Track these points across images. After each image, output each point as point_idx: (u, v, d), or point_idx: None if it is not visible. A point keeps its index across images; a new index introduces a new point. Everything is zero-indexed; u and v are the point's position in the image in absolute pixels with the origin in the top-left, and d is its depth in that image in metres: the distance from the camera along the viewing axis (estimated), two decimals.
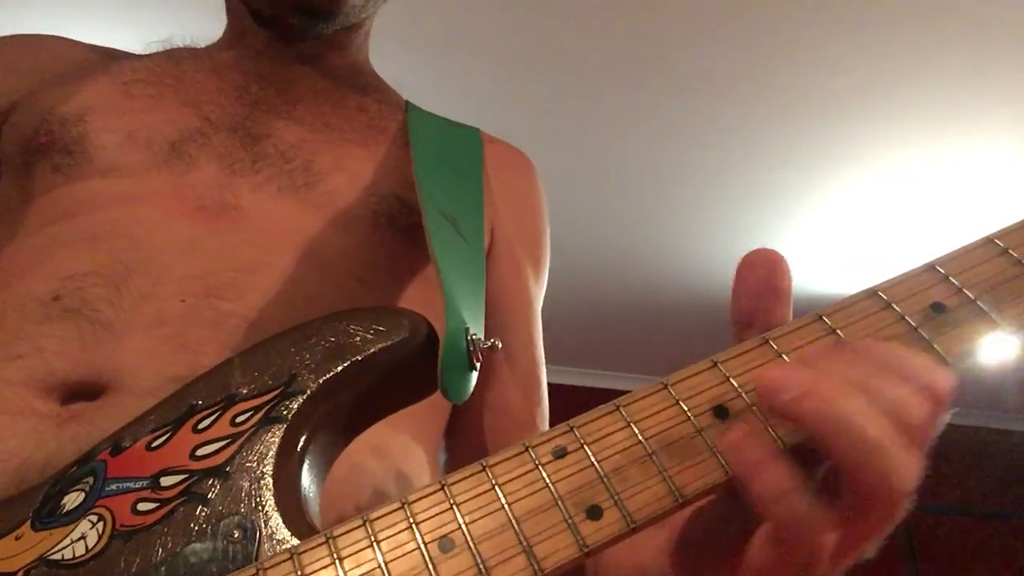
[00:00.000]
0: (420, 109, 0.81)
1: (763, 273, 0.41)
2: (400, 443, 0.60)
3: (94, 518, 0.41)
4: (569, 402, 0.73)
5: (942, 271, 0.42)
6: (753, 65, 2.09)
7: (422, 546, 0.36)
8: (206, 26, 0.83)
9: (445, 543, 0.36)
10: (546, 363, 0.76)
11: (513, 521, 0.36)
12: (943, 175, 2.43)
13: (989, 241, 0.42)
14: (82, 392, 0.51)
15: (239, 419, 0.43)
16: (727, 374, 0.40)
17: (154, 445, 0.43)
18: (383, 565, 0.36)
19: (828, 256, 2.87)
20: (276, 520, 0.40)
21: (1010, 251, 0.42)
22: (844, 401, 0.34)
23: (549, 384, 0.76)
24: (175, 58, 0.76)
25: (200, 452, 0.42)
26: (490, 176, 0.78)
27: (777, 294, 0.41)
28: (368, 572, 0.36)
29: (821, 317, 0.41)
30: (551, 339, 0.81)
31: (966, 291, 0.40)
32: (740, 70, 2.11)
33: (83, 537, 0.40)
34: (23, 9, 1.94)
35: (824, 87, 2.14)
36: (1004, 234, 0.43)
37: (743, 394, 0.39)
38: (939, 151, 2.33)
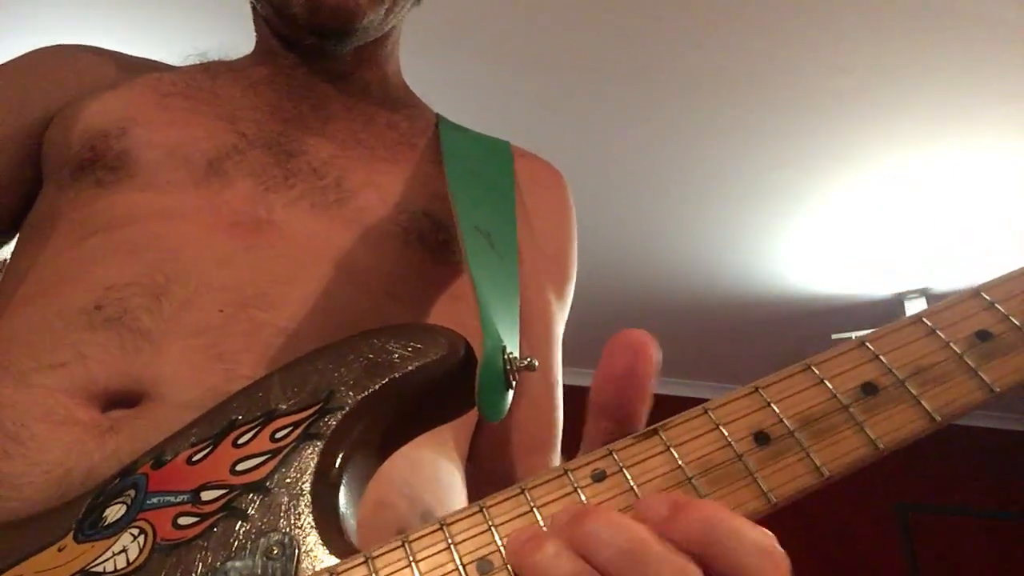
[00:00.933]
0: (450, 122, 0.81)
1: (629, 363, 0.38)
2: (432, 459, 0.61)
3: (135, 531, 0.41)
4: (567, 402, 0.73)
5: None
6: (753, 65, 2.08)
7: (460, 568, 0.36)
8: (232, 37, 0.84)
9: (484, 564, 0.36)
10: (576, 367, 0.76)
11: None
12: (942, 175, 2.40)
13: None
14: (121, 400, 0.52)
15: (278, 435, 0.44)
16: (768, 400, 0.40)
17: (195, 459, 0.44)
18: None
19: (828, 256, 2.84)
20: (315, 538, 0.40)
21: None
22: (536, 553, 0.34)
23: (569, 387, 0.75)
24: (211, 72, 0.77)
25: (240, 467, 0.43)
26: (522, 191, 0.78)
27: (642, 387, 0.38)
28: None
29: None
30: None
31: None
32: (740, 70, 2.10)
33: (124, 550, 0.41)
34: (52, 33, 1.98)
35: (824, 87, 2.12)
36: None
37: (784, 420, 0.39)
38: (939, 151, 2.31)
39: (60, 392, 0.51)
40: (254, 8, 0.81)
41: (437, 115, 0.83)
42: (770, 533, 0.34)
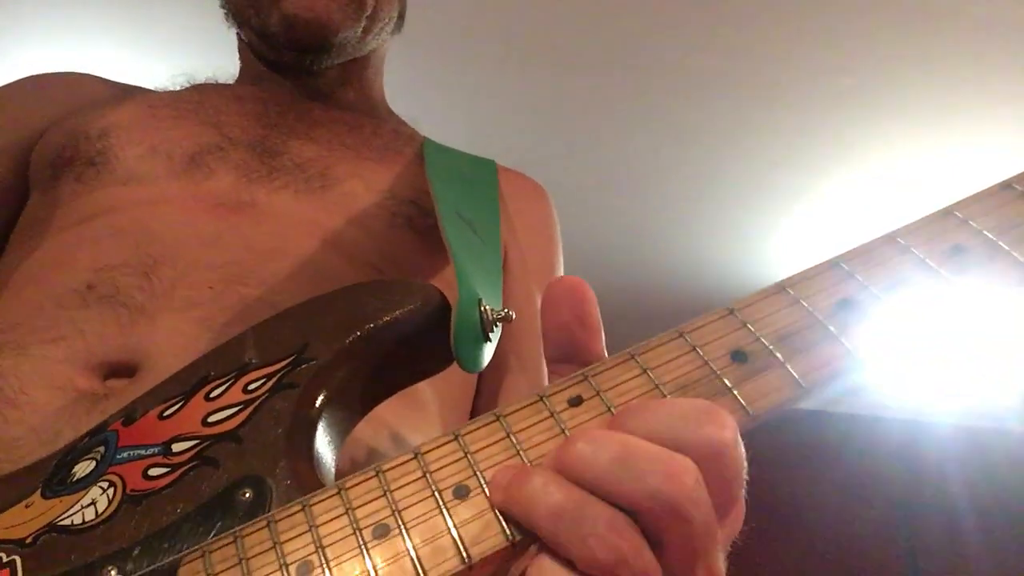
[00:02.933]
0: (436, 143, 0.83)
1: (568, 306, 0.39)
2: (421, 425, 0.60)
3: (105, 484, 0.40)
4: None
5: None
6: (751, 65, 2.10)
7: (436, 493, 0.35)
8: (230, 64, 0.86)
9: (460, 490, 0.35)
10: None
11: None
12: (942, 175, 2.40)
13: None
14: (120, 371, 0.52)
15: (251, 387, 0.43)
16: (744, 320, 0.39)
17: (166, 414, 0.43)
18: (396, 512, 0.35)
19: (824, 255, 2.82)
20: (289, 481, 0.39)
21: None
22: (527, 484, 0.33)
23: None
24: (199, 89, 0.79)
25: (212, 419, 0.42)
26: (507, 203, 0.79)
27: (592, 326, 0.39)
28: (382, 520, 0.35)
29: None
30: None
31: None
32: (738, 70, 2.12)
33: (93, 503, 0.40)
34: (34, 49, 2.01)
35: (823, 87, 2.14)
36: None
37: (761, 338, 0.38)
38: (938, 151, 2.31)
39: (61, 362, 0.51)
40: (239, 36, 0.84)
41: (424, 138, 0.84)
42: (714, 405, 0.33)
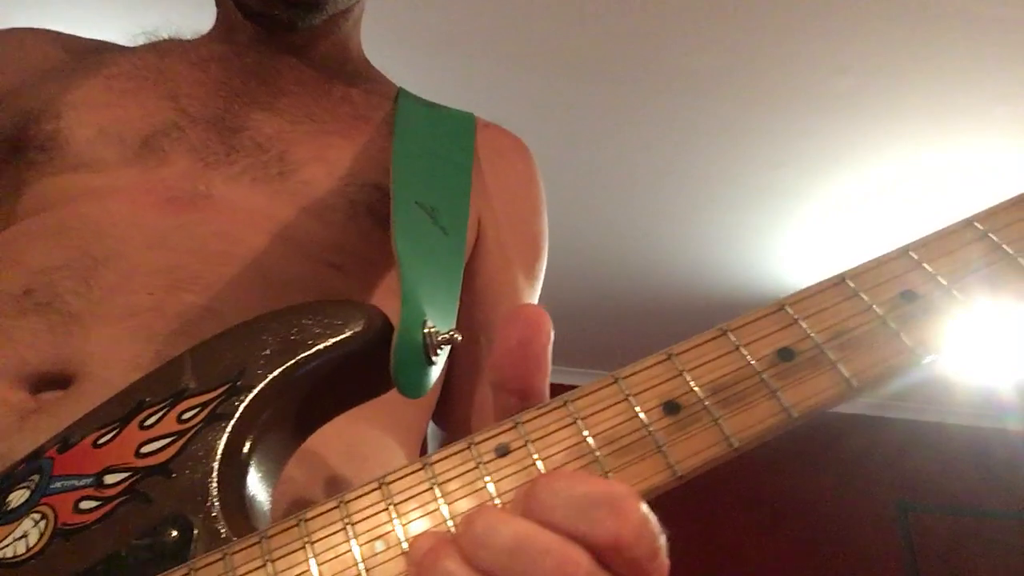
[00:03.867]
0: (412, 96, 0.79)
1: (520, 332, 0.37)
2: (374, 439, 0.59)
3: (37, 516, 0.40)
4: None
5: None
6: (752, 65, 2.06)
7: (355, 548, 0.35)
8: (195, 18, 0.83)
9: (379, 544, 0.35)
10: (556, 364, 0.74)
11: (450, 523, 0.35)
12: (942, 175, 2.37)
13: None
14: (52, 383, 0.51)
15: (185, 416, 0.42)
16: (681, 368, 0.38)
17: (100, 442, 0.43)
18: (314, 567, 0.35)
19: (827, 256, 2.80)
20: (215, 521, 0.39)
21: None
22: (434, 569, 0.32)
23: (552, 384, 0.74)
24: (160, 51, 0.75)
25: (145, 450, 0.42)
26: (482, 163, 0.76)
27: (535, 358, 0.37)
28: (301, 573, 0.35)
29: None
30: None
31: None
32: (738, 69, 2.08)
33: (25, 535, 0.40)
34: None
35: (823, 87, 2.09)
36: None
37: (695, 388, 0.37)
38: (938, 151, 2.27)
39: None
40: None
41: (399, 89, 0.81)
42: (623, 487, 0.32)
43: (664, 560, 0.32)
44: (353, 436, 0.56)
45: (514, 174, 0.81)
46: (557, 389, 0.38)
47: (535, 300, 0.79)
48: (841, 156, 2.34)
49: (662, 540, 0.32)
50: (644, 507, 0.31)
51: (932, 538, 3.11)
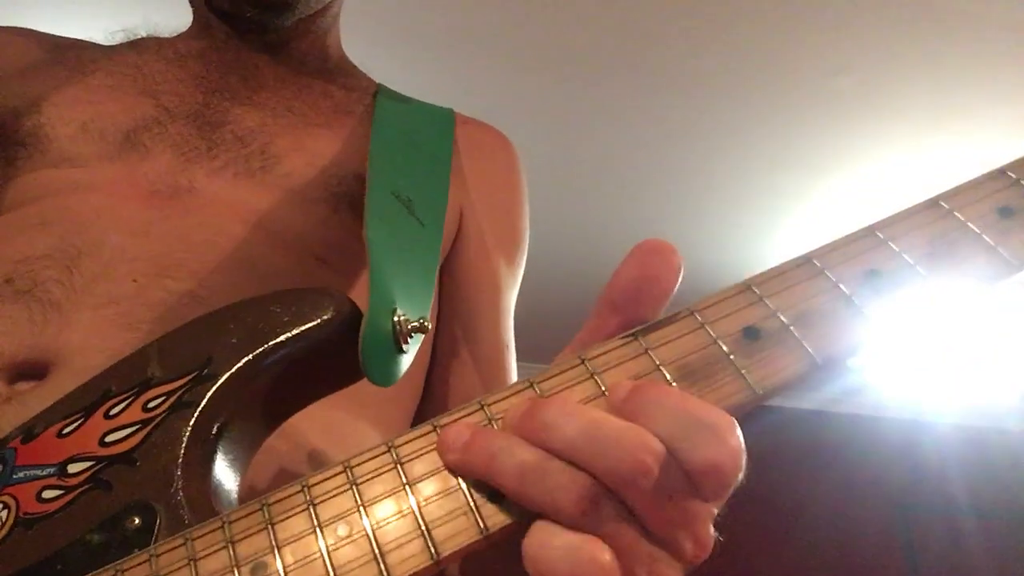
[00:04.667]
0: (392, 92, 0.79)
1: (658, 270, 0.37)
2: (355, 430, 0.59)
3: None
4: None
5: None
6: (751, 64, 2.06)
7: (318, 531, 0.35)
8: (174, 16, 0.83)
9: (342, 527, 0.35)
10: (534, 361, 0.74)
11: (415, 506, 0.35)
12: (942, 175, 2.37)
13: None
14: (29, 372, 0.51)
15: (151, 404, 0.42)
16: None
17: (65, 432, 0.42)
18: (276, 550, 0.34)
19: None
20: (180, 507, 0.38)
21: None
22: (491, 442, 0.33)
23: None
24: (138, 48, 0.75)
25: (109, 439, 0.41)
26: (462, 157, 0.76)
27: (662, 297, 0.38)
28: (261, 557, 0.34)
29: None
30: (537, 337, 0.79)
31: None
32: (737, 69, 2.08)
33: None
34: None
35: (823, 87, 2.10)
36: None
37: (662, 367, 0.37)
38: (938, 151, 2.28)
39: None
40: None
41: (379, 85, 0.81)
42: (727, 416, 0.33)
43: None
44: (331, 420, 0.56)
45: (494, 166, 0.81)
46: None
47: (516, 289, 0.79)
48: (841, 156, 2.35)
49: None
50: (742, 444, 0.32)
51: (932, 538, 3.11)
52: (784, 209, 2.60)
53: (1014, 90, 2.05)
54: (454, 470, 0.35)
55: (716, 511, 0.34)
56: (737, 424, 0.33)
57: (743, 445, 0.32)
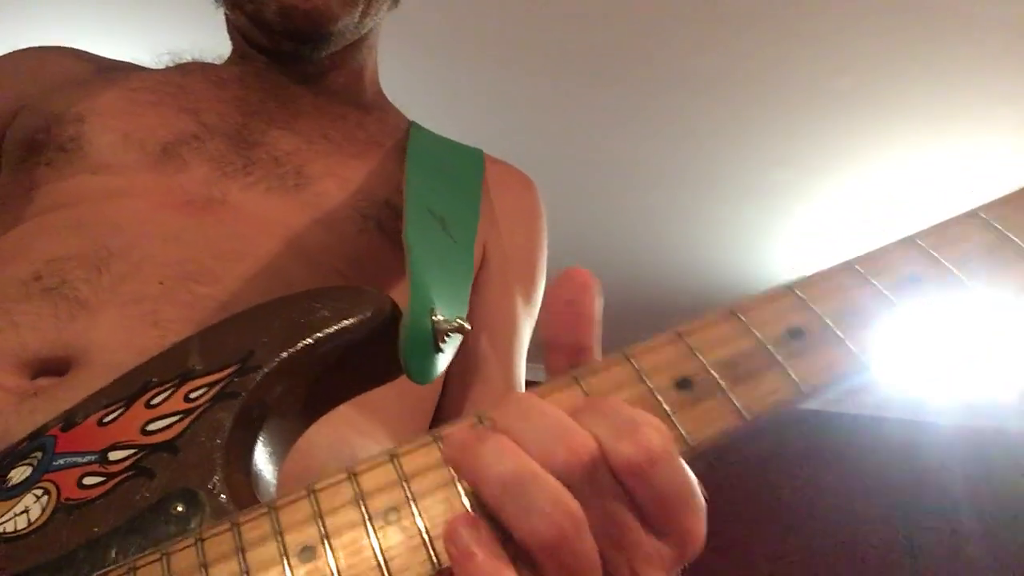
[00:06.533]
0: (424, 129, 0.81)
1: (569, 295, 0.38)
2: (370, 444, 0.59)
3: (39, 492, 0.40)
4: None
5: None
6: (751, 64, 2.07)
7: (367, 519, 0.35)
8: (221, 42, 0.84)
9: (391, 513, 0.35)
10: (535, 362, 0.74)
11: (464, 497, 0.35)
12: (943, 175, 2.38)
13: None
14: (52, 367, 0.51)
15: (193, 395, 0.42)
16: (691, 347, 0.38)
17: (106, 420, 0.42)
18: (325, 537, 0.34)
19: (825, 255, 2.81)
20: (222, 494, 0.38)
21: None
22: (482, 444, 0.32)
23: (530, 383, 0.74)
24: (183, 70, 0.77)
25: (151, 427, 0.41)
26: (490, 195, 0.78)
27: (584, 316, 0.38)
28: (309, 543, 0.34)
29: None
30: (537, 337, 0.79)
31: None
32: (739, 70, 2.09)
33: (26, 510, 0.39)
34: (31, 20, 1.99)
35: (823, 87, 2.11)
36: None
37: (708, 367, 0.37)
38: (938, 151, 2.29)
39: None
40: (227, 17, 0.82)
41: (411, 122, 0.82)
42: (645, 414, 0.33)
43: (696, 516, 0.33)
44: (352, 424, 0.56)
45: (519, 207, 0.83)
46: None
47: (531, 330, 0.80)
48: (841, 155, 2.35)
49: (692, 487, 0.32)
50: (672, 447, 0.32)
51: (932, 538, 3.09)
52: (785, 209, 2.61)
53: (1014, 90, 2.06)
54: (452, 468, 0.35)
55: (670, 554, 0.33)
56: (664, 430, 0.33)
57: (666, 448, 0.32)
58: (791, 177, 2.45)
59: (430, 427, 0.71)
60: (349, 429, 0.54)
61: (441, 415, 0.71)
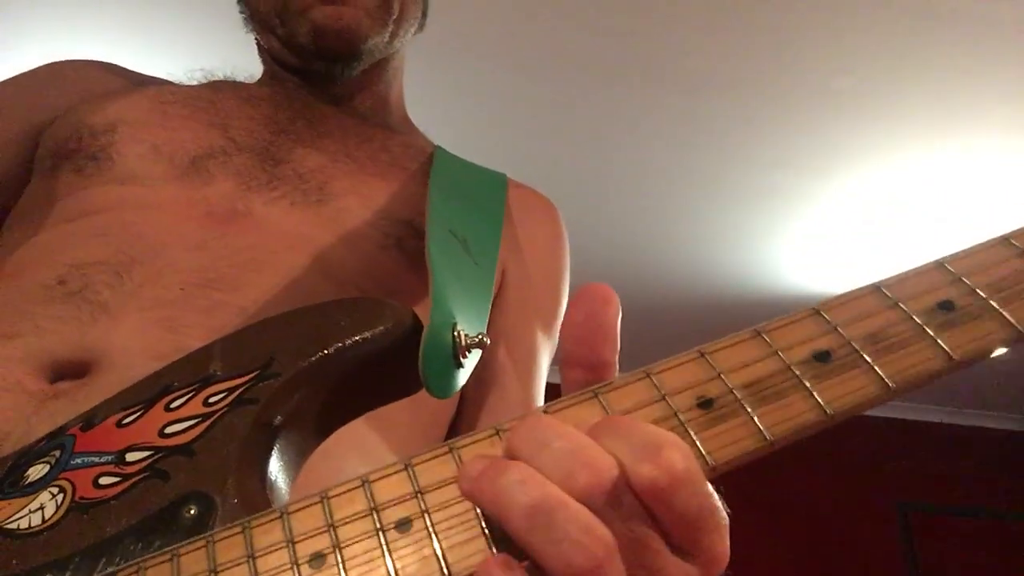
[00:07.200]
0: (449, 153, 0.82)
1: (589, 309, 0.37)
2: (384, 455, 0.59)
3: (55, 489, 0.40)
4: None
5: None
6: (753, 65, 2.07)
7: (379, 530, 0.34)
8: (253, 61, 0.86)
9: (403, 524, 0.34)
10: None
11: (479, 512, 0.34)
12: (943, 176, 2.36)
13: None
14: (73, 370, 0.51)
15: (212, 400, 0.42)
16: (713, 365, 0.38)
17: (125, 422, 0.42)
18: (336, 546, 0.34)
19: (827, 256, 2.76)
20: (235, 498, 0.38)
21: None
22: (502, 476, 0.31)
23: (549, 384, 0.73)
24: (214, 87, 0.79)
25: (169, 430, 0.41)
26: (513, 220, 0.78)
27: (603, 331, 0.37)
28: (320, 550, 0.34)
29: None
30: (560, 354, 0.79)
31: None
32: (740, 70, 2.09)
33: (41, 508, 0.39)
34: (72, 32, 2.04)
35: (824, 88, 2.11)
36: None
37: (732, 390, 0.37)
38: (939, 151, 2.27)
39: (12, 362, 0.50)
40: (257, 41, 0.84)
41: (437, 147, 0.83)
42: (666, 434, 0.32)
43: (719, 534, 0.32)
44: (366, 436, 0.56)
45: (542, 232, 0.82)
46: (552, 388, 0.38)
47: (550, 358, 0.79)
48: (842, 156, 2.34)
49: (715, 506, 0.31)
50: (694, 466, 0.31)
51: (932, 538, 3.02)
52: (785, 209, 2.59)
53: (1015, 90, 2.04)
54: (468, 498, 0.33)
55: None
56: (686, 449, 0.32)
57: (689, 468, 0.31)
58: (794, 178, 2.44)
59: (450, 432, 0.70)
60: (358, 443, 0.54)
61: (456, 431, 0.70)
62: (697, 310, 3.03)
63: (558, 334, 0.81)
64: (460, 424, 0.69)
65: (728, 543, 0.32)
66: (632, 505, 0.31)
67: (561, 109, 2.25)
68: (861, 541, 3.03)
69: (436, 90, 2.02)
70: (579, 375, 0.37)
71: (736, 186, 2.52)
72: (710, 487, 0.32)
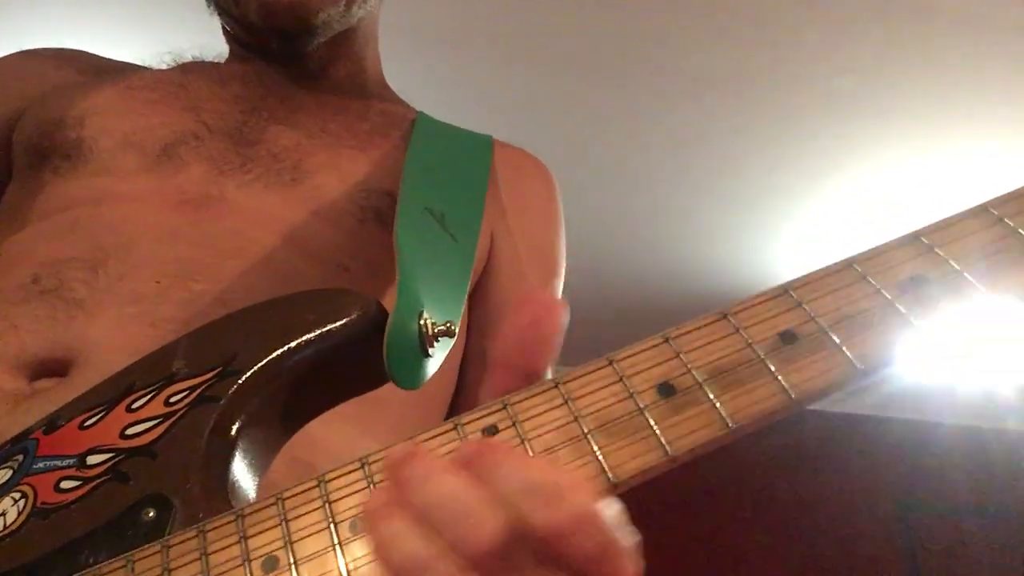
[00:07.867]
0: (432, 119, 0.80)
1: (534, 316, 0.35)
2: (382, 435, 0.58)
3: (17, 495, 0.40)
4: None
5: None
6: (753, 65, 2.05)
7: (332, 527, 0.34)
8: (221, 40, 0.84)
9: (356, 525, 0.34)
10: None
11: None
12: (943, 176, 2.33)
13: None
14: (51, 369, 0.51)
15: (173, 399, 0.42)
16: (677, 350, 0.36)
17: (87, 424, 0.42)
18: (289, 545, 0.33)
19: (826, 256, 2.74)
20: (196, 501, 0.38)
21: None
22: (382, 523, 0.30)
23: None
24: (184, 68, 0.77)
25: (130, 431, 0.41)
26: (500, 182, 0.76)
27: (544, 341, 0.35)
28: (273, 552, 0.33)
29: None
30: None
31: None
32: (739, 69, 2.07)
33: (3, 514, 0.39)
34: (33, 21, 2.03)
35: (824, 87, 2.08)
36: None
37: (692, 371, 0.35)
38: (939, 151, 2.24)
39: None
40: (222, 23, 0.82)
41: (419, 112, 0.81)
42: (569, 476, 0.30)
43: (624, 564, 0.30)
44: (353, 419, 0.55)
45: (531, 192, 0.81)
46: None
47: None
48: (841, 156, 2.32)
49: (616, 539, 0.29)
50: (591, 502, 0.29)
51: (932, 538, 3.01)
52: (785, 209, 2.57)
53: (1015, 90, 2.02)
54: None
55: None
56: (589, 488, 0.30)
57: (589, 508, 0.29)
58: (791, 178, 2.41)
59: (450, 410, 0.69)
60: (351, 425, 0.53)
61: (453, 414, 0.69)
62: (695, 309, 3.01)
63: (559, 285, 0.79)
64: (458, 404, 0.68)
65: (633, 564, 0.30)
66: (532, 548, 0.29)
67: (557, 108, 2.24)
68: (861, 541, 3.02)
69: (434, 87, 2.00)
70: (508, 380, 0.36)
71: (734, 185, 2.50)
72: (610, 519, 0.29)
